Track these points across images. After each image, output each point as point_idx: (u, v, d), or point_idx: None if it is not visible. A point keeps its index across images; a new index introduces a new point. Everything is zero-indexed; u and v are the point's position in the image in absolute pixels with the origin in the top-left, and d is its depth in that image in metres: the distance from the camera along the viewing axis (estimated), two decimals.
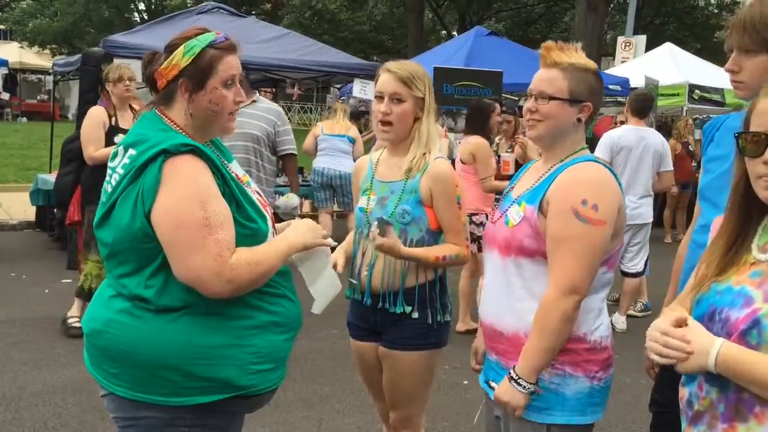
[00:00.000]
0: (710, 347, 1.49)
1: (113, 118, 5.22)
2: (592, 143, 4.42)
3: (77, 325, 5.25)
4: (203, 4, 9.73)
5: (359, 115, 9.53)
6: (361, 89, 8.91)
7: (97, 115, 5.20)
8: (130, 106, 5.42)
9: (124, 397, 1.96)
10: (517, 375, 2.02)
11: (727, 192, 1.98)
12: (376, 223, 2.47)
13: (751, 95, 1.95)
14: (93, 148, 5.10)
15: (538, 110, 2.10)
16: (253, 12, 32.26)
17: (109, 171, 2.00)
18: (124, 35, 8.49)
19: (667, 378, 2.28)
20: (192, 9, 9.56)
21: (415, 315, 2.61)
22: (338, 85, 11.01)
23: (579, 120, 2.11)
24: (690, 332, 1.53)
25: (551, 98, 2.08)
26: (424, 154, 2.61)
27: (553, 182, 2.05)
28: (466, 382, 4.70)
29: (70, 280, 6.61)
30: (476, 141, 5.63)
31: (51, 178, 8.33)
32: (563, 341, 2.00)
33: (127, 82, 5.25)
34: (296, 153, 5.50)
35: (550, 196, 2.04)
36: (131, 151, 1.92)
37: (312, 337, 5.27)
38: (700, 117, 15.07)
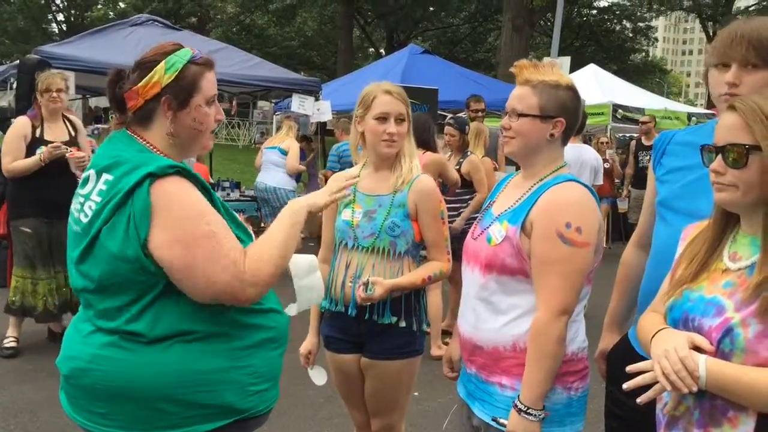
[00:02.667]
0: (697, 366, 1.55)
1: (38, 129, 5.03)
2: None
3: (10, 345, 5.10)
4: (137, 16, 9.57)
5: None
6: (299, 104, 8.92)
7: (20, 125, 5.01)
8: (67, 118, 5.27)
9: None
10: (525, 406, 2.00)
11: (698, 200, 2.06)
12: (361, 288, 2.55)
13: None
14: (10, 159, 4.92)
15: (511, 127, 2.14)
16: (179, 26, 31.80)
17: (79, 199, 1.86)
18: (57, 46, 8.25)
19: (617, 388, 2.19)
20: (125, 21, 9.34)
21: (403, 324, 2.67)
22: (275, 100, 10.99)
23: (552, 136, 2.12)
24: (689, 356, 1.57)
25: (521, 115, 2.11)
26: (411, 169, 2.70)
27: (536, 203, 2.07)
28: (417, 393, 4.75)
29: None
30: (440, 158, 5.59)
31: None
32: (560, 361, 2.03)
33: (54, 94, 5.01)
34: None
35: (533, 218, 2.05)
36: (107, 176, 1.80)
37: None
38: (618, 136, 15.73)
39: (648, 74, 40.43)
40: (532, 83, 2.12)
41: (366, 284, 2.56)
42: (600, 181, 6.35)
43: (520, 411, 2.01)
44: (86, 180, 1.86)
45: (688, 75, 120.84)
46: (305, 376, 2.97)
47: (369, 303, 2.60)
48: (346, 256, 2.71)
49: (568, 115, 2.12)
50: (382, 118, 2.67)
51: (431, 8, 32.12)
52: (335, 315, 2.76)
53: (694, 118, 13.23)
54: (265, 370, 1.94)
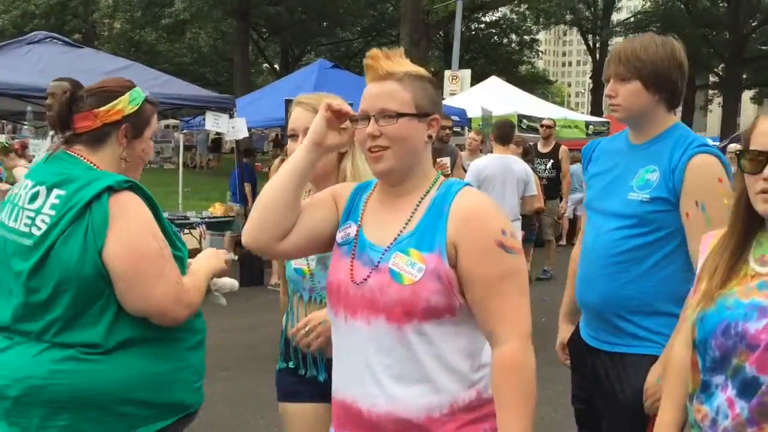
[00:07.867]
0: None
1: None
2: None
3: None
4: (33, 33, 9.02)
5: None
6: (213, 122, 8.67)
7: None
8: None
9: None
10: None
11: (609, 199, 2.38)
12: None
13: (627, 116, 2.33)
14: None
15: (384, 133, 1.67)
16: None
17: (28, 213, 1.96)
18: None
19: (578, 375, 2.57)
20: (22, 39, 8.77)
21: None
22: (187, 118, 10.63)
23: (429, 137, 1.74)
24: None
25: (399, 115, 1.67)
26: None
27: (449, 219, 1.69)
28: None
29: None
30: None
31: None
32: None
33: None
34: None
35: (455, 237, 1.67)
36: (58, 191, 1.94)
37: None
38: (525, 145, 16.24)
39: (534, 85, 42.04)
40: (396, 76, 1.70)
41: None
42: (530, 193, 6.42)
43: None
44: (35, 195, 1.97)
45: (569, 85, 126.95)
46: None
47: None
48: (303, 311, 2.28)
49: (439, 111, 1.78)
50: (293, 136, 2.28)
51: (325, 23, 32.16)
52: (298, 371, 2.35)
53: (591, 126, 13.79)
54: (199, 368, 2.12)
